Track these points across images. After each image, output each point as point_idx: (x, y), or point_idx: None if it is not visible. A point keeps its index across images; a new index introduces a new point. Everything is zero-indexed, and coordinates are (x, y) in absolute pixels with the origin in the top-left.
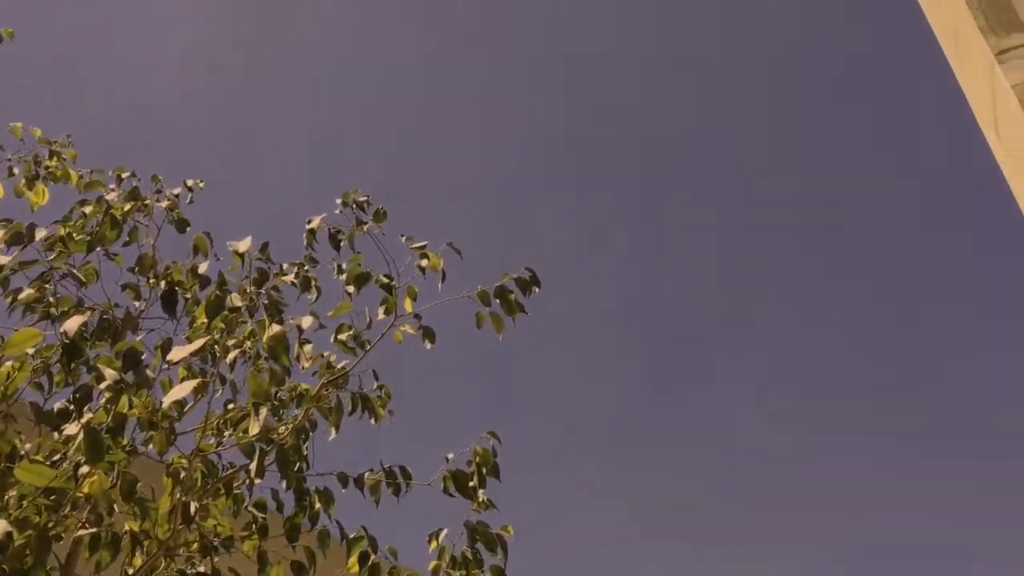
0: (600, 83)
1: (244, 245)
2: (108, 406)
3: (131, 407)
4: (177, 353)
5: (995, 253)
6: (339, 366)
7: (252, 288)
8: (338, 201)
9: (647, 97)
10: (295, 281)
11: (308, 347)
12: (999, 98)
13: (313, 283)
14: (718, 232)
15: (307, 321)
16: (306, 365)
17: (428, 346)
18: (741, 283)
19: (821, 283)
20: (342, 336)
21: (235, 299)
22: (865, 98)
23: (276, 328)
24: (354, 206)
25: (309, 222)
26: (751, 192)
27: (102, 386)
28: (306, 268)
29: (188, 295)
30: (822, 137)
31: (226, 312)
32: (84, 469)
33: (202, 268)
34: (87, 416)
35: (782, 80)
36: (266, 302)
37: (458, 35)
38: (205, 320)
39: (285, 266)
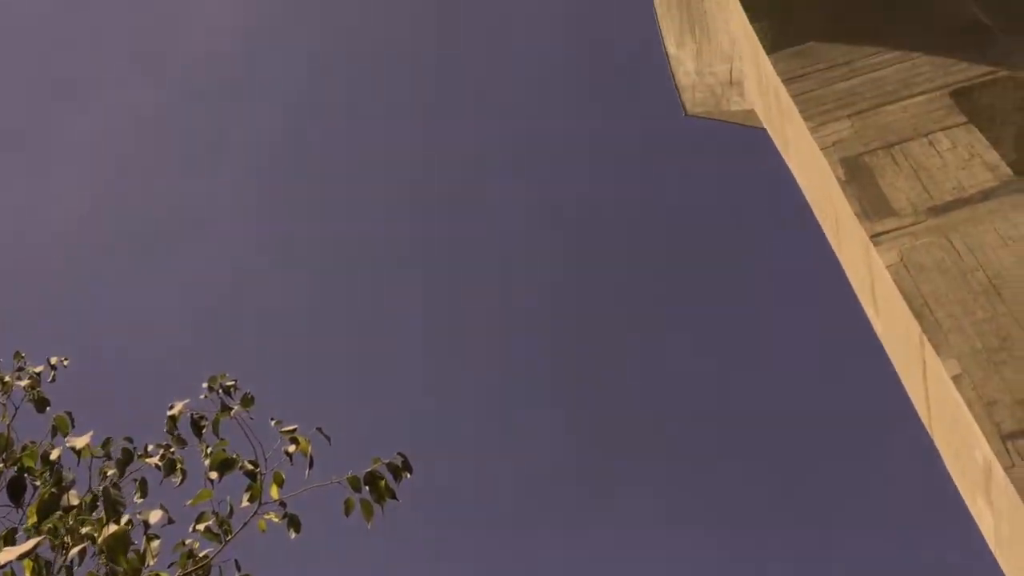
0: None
1: (83, 441)
2: None
3: None
4: (4, 555)
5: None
6: (201, 555)
7: (107, 479)
8: (204, 385)
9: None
10: (159, 464)
11: (156, 543)
12: (876, 277)
13: (178, 466)
14: None
15: (155, 515)
16: (151, 562)
17: (292, 535)
18: None
19: None
20: (201, 525)
21: (72, 497)
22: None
23: (114, 527)
24: (220, 391)
25: (171, 408)
26: None
27: None
28: (172, 450)
29: (39, 482)
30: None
31: (60, 512)
32: None
33: (55, 454)
34: None
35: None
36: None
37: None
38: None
39: (150, 448)
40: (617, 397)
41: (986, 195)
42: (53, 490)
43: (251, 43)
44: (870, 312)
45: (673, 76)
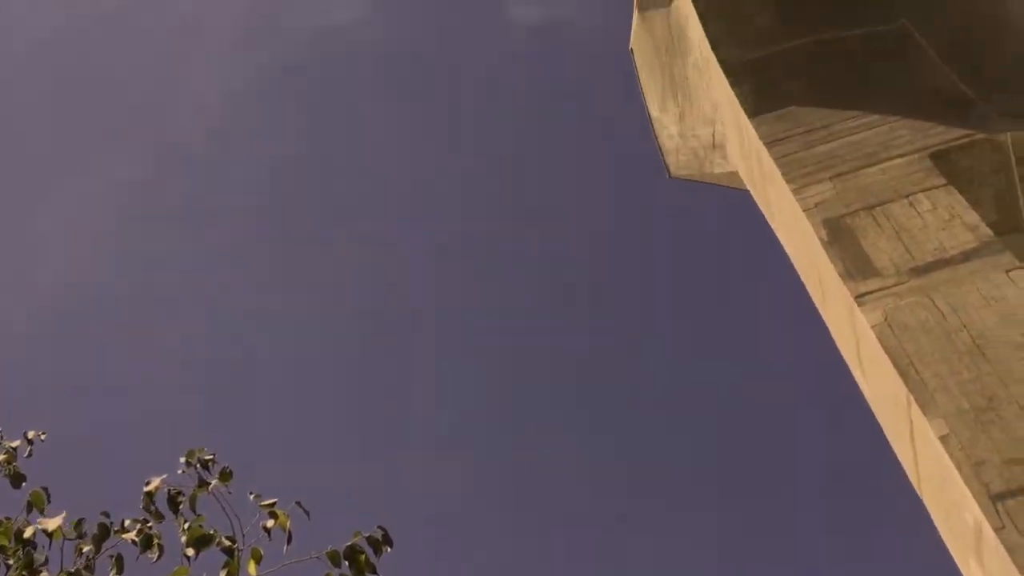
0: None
1: (55, 523)
2: None
3: None
4: None
5: None
6: None
7: (82, 555)
8: (182, 460)
9: None
10: (136, 539)
11: None
12: (861, 338)
13: (155, 541)
14: None
15: None
16: None
17: None
18: None
19: None
20: None
21: None
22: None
23: None
24: (198, 465)
25: (147, 484)
26: None
27: None
28: (149, 525)
29: (11, 561)
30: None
31: None
32: None
33: (28, 532)
34: None
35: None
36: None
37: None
38: None
39: (127, 522)
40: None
41: (967, 256)
42: (24, 573)
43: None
44: (856, 372)
45: (657, 139)
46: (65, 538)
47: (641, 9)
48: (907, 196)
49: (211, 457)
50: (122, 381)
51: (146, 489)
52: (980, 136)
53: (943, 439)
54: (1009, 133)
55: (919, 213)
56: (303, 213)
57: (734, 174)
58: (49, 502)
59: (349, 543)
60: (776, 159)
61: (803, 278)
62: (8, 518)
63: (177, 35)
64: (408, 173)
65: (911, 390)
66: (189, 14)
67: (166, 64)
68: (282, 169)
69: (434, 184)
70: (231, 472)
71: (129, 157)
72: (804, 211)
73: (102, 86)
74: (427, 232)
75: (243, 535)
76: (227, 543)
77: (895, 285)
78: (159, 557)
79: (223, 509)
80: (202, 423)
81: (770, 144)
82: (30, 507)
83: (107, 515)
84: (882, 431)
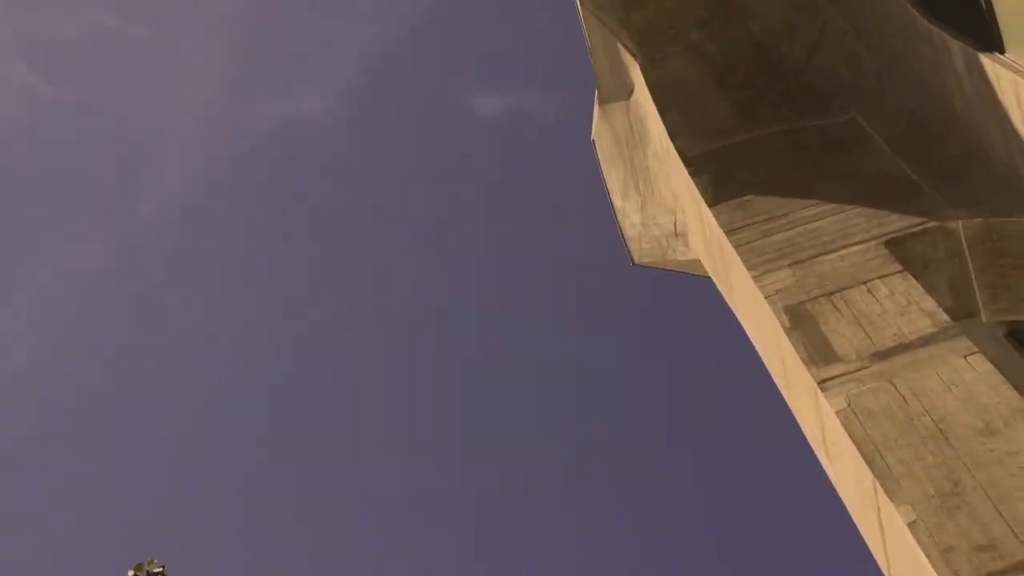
0: None
1: None
2: None
3: None
4: None
5: None
6: None
7: None
8: (131, 573)
9: None
10: None
11: None
12: (826, 423)
13: None
14: None
15: None
16: None
17: None
18: None
19: None
20: None
21: None
22: None
23: None
24: None
25: None
26: None
27: None
28: None
29: None
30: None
31: None
32: None
33: None
34: None
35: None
36: None
37: None
38: None
39: None
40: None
41: (926, 341)
42: None
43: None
44: (822, 457)
45: (620, 227)
46: None
47: (602, 102)
48: (865, 282)
49: (161, 569)
50: (68, 497)
51: None
52: (933, 224)
53: (911, 526)
54: (960, 221)
55: (877, 299)
56: (264, 302)
57: (696, 261)
58: None
59: None
60: (737, 247)
61: (766, 363)
62: None
63: (142, 122)
64: (370, 262)
65: (877, 476)
66: (152, 103)
67: (129, 155)
68: (243, 257)
69: (398, 266)
70: None
71: (86, 248)
72: (766, 298)
73: (65, 176)
74: (383, 319)
75: None
76: None
77: (857, 370)
78: None
79: None
80: (154, 531)
81: (730, 232)
82: None
83: None
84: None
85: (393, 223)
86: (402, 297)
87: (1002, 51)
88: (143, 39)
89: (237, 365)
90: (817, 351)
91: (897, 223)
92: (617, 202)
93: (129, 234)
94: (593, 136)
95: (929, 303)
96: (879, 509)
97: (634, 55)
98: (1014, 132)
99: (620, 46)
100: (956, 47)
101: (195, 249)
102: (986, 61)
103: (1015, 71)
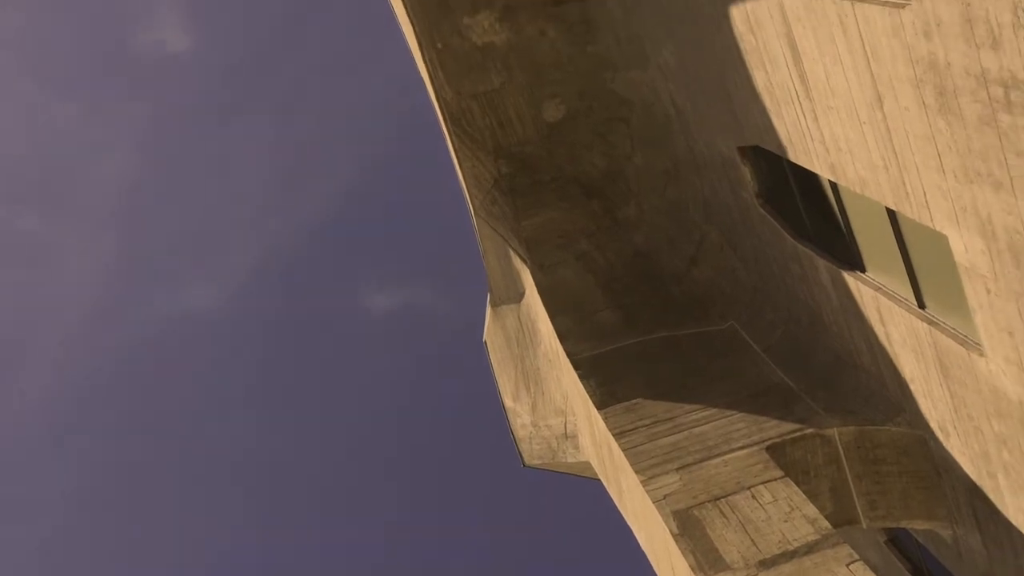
0: None
1: None
2: None
3: None
4: None
5: None
6: None
7: None
8: None
9: None
10: None
11: None
12: None
13: None
14: None
15: None
16: None
17: None
18: None
19: None
20: None
21: None
22: None
23: None
24: None
25: None
26: None
27: None
28: None
29: None
30: None
31: None
32: None
33: None
34: None
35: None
36: None
37: None
38: None
39: None
40: None
41: (810, 548)
42: None
43: None
44: None
45: (511, 428)
46: None
47: (494, 305)
48: (749, 488)
49: None
50: None
51: None
52: (810, 430)
53: None
54: (836, 428)
55: (761, 505)
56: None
57: (587, 464)
58: None
59: None
60: (625, 450)
61: (656, 569)
62: None
63: (21, 314)
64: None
65: None
66: (35, 296)
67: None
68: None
69: (291, 460)
70: None
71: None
72: (654, 503)
73: None
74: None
75: None
76: None
77: None
78: None
79: None
80: None
81: (619, 435)
82: None
83: None
84: None
85: (280, 417)
86: (292, 485)
87: (863, 270)
88: (29, 231)
89: None
90: (706, 558)
91: (777, 429)
92: (508, 403)
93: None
94: (485, 338)
95: (811, 509)
96: None
97: (524, 261)
98: (879, 345)
99: (511, 252)
100: (822, 264)
101: (64, 440)
102: (849, 278)
103: (875, 288)
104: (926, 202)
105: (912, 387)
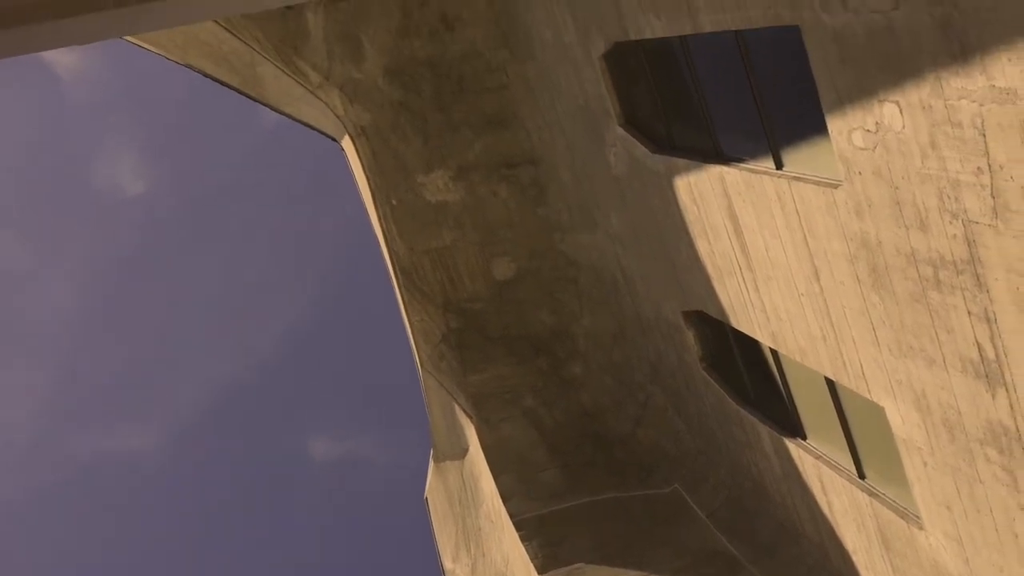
0: None
1: None
2: None
3: None
4: None
5: None
6: None
7: None
8: None
9: None
10: None
11: None
12: None
13: None
14: None
15: None
16: None
17: None
18: None
19: None
20: None
21: None
22: None
23: None
24: None
25: None
26: None
27: None
28: None
29: None
30: None
31: None
32: None
33: None
34: None
35: None
36: None
37: None
38: None
39: None
40: None
41: None
42: None
43: None
44: None
45: None
46: None
47: (437, 460)
48: None
49: None
50: None
51: None
52: None
53: None
54: None
55: None
56: None
57: None
58: None
59: None
60: None
61: None
62: None
63: None
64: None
65: None
66: None
67: None
68: None
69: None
70: None
71: None
72: None
73: None
74: None
75: None
76: None
77: None
78: None
79: None
80: None
81: None
82: None
83: None
84: None
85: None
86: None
87: (804, 437)
88: None
89: None
90: None
91: None
92: (448, 564)
93: None
94: (427, 494)
95: None
96: None
97: (470, 416)
98: (821, 515)
99: (457, 407)
100: (764, 431)
101: None
102: (791, 446)
103: (817, 456)
104: (863, 373)
105: (855, 558)
